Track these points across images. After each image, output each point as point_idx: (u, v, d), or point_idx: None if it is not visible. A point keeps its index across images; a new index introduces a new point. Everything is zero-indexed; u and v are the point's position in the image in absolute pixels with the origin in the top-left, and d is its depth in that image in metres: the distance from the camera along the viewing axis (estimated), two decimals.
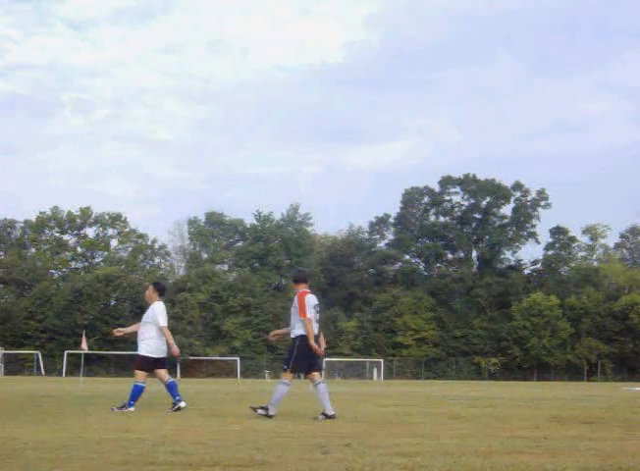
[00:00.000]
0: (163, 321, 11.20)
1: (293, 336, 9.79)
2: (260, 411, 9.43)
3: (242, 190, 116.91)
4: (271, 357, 69.87)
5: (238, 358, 66.90)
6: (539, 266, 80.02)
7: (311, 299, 9.84)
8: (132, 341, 65.31)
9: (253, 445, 6.02)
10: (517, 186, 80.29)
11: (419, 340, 71.44)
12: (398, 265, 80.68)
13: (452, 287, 74.54)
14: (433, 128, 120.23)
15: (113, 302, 69.79)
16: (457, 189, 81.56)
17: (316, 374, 9.70)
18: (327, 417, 9.29)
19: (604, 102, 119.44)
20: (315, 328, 9.85)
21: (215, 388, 27.07)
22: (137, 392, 11.07)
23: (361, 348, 71.13)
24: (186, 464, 4.93)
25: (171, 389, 11.16)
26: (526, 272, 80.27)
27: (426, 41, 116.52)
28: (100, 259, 79.77)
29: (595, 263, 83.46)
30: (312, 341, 9.57)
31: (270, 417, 9.33)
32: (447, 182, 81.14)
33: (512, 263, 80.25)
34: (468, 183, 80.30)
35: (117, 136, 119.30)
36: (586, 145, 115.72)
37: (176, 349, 11.38)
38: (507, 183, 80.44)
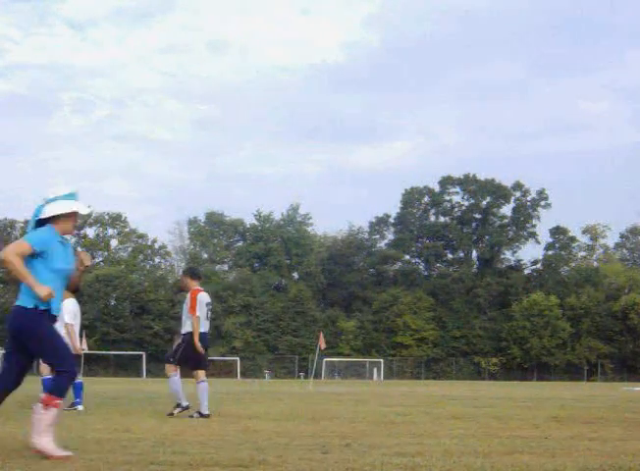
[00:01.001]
0: (68, 318, 11.12)
1: (183, 332, 9.91)
2: (177, 410, 9.61)
3: (242, 190, 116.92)
4: (271, 357, 69.89)
5: (238, 358, 66.91)
6: (539, 266, 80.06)
7: (204, 297, 9.92)
8: (132, 342, 65.17)
9: (253, 445, 6.02)
10: (517, 186, 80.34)
11: (419, 339, 71.46)
12: (398, 265, 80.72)
13: (452, 288, 74.55)
14: (433, 128, 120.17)
15: (113, 302, 69.79)
16: (457, 189, 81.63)
17: (201, 372, 9.82)
18: (201, 416, 9.44)
19: (604, 102, 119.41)
20: (206, 326, 9.96)
21: (215, 388, 27.05)
22: (80, 389, 11.09)
23: (361, 348, 71.15)
24: (185, 464, 4.93)
25: (76, 389, 11.18)
26: (526, 272, 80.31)
27: (426, 41, 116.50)
28: (100, 259, 79.80)
29: (595, 263, 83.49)
30: (197, 339, 9.69)
31: (187, 408, 9.57)
32: (447, 182, 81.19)
33: (512, 263, 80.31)
34: (468, 183, 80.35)
35: (117, 136, 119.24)
36: (586, 145, 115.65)
37: (77, 348, 11.27)
38: (507, 183, 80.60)
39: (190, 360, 9.83)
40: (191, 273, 10.28)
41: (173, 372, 9.81)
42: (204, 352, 9.82)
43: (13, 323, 5.33)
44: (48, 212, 5.42)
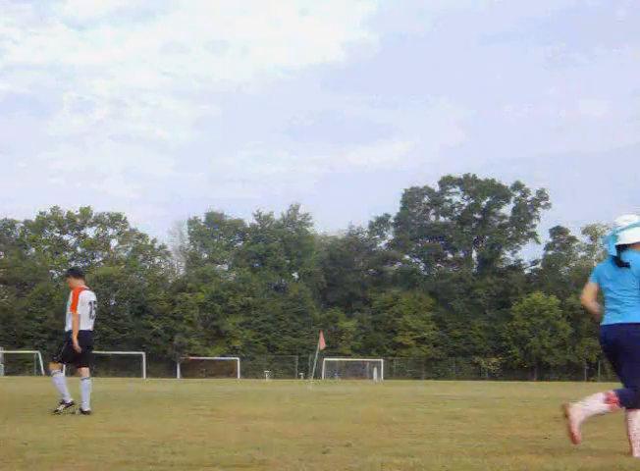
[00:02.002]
0: None
1: (66, 330, 10.12)
2: (60, 408, 9.82)
3: (242, 190, 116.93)
4: (271, 357, 69.88)
5: (238, 358, 66.89)
6: (539, 266, 80.00)
7: (86, 296, 10.14)
8: (132, 342, 65.15)
9: (253, 445, 6.02)
10: (517, 186, 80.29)
11: (419, 340, 71.44)
12: (398, 265, 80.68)
13: (452, 288, 74.52)
14: (433, 128, 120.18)
15: (113, 302, 69.79)
16: (457, 189, 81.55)
17: (84, 370, 10.06)
18: (82, 412, 9.75)
19: (604, 102, 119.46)
20: (90, 324, 10.17)
21: (215, 388, 27.07)
22: None
23: (361, 348, 71.13)
24: (185, 464, 4.93)
25: None
26: (526, 272, 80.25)
27: (426, 41, 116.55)
28: (100, 259, 79.77)
29: (595, 263, 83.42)
30: (75, 337, 9.92)
31: (72, 404, 9.81)
32: (447, 182, 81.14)
33: (512, 263, 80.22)
34: (468, 183, 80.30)
35: (117, 136, 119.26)
36: (586, 145, 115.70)
37: None
38: (507, 183, 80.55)
39: (74, 357, 10.06)
40: (74, 273, 10.62)
41: (56, 369, 10.05)
42: (85, 350, 10.03)
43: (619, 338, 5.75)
44: (634, 237, 5.83)
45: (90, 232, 79.98)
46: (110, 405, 11.94)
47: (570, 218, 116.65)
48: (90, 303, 10.14)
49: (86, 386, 9.93)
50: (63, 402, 9.94)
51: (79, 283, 10.28)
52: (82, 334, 9.96)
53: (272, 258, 77.37)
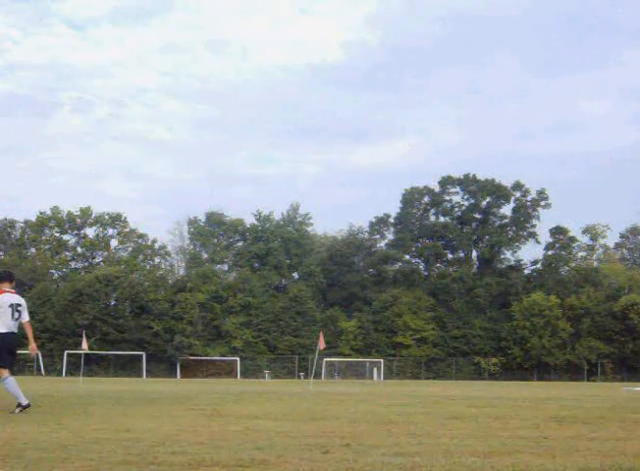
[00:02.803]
0: None
1: None
2: (17, 410, 9.74)
3: (242, 190, 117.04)
4: (271, 357, 69.88)
5: (238, 358, 66.90)
6: (539, 266, 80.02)
7: (7, 299, 10.08)
8: (132, 342, 65.09)
9: (253, 445, 6.02)
10: (517, 186, 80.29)
11: (419, 340, 71.45)
12: (398, 265, 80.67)
13: (452, 287, 74.52)
14: (433, 128, 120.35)
15: (113, 302, 69.80)
16: (457, 189, 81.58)
17: (4, 371, 10.03)
18: (23, 407, 9.74)
19: (604, 102, 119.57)
20: (11, 326, 10.08)
21: (215, 388, 27.06)
22: None
23: (361, 348, 71.13)
24: (186, 464, 4.93)
25: None
26: (526, 272, 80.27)
27: (426, 41, 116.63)
28: (100, 259, 79.76)
29: (595, 263, 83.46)
30: None
31: (29, 406, 9.76)
32: (447, 182, 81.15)
33: (512, 263, 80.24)
34: (468, 183, 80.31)
35: (117, 136, 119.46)
36: (586, 145, 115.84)
37: None
38: (507, 183, 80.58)
39: (10, 359, 10.08)
40: (2, 276, 10.44)
41: (5, 375, 9.96)
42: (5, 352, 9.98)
43: None
44: None
45: (90, 232, 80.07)
46: (110, 405, 11.94)
47: (570, 218, 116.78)
48: (12, 306, 10.05)
49: (10, 382, 9.93)
50: (19, 405, 9.83)
51: (4, 286, 10.20)
52: (4, 336, 9.92)
53: (272, 258, 77.36)
